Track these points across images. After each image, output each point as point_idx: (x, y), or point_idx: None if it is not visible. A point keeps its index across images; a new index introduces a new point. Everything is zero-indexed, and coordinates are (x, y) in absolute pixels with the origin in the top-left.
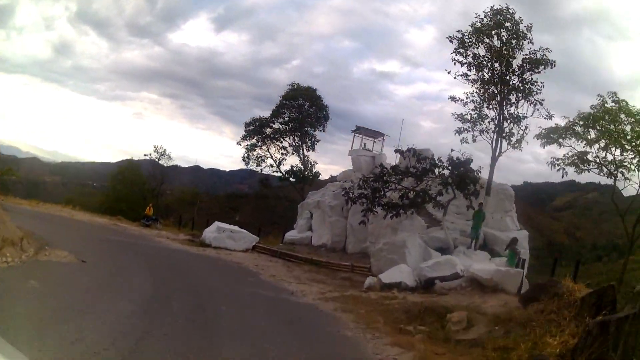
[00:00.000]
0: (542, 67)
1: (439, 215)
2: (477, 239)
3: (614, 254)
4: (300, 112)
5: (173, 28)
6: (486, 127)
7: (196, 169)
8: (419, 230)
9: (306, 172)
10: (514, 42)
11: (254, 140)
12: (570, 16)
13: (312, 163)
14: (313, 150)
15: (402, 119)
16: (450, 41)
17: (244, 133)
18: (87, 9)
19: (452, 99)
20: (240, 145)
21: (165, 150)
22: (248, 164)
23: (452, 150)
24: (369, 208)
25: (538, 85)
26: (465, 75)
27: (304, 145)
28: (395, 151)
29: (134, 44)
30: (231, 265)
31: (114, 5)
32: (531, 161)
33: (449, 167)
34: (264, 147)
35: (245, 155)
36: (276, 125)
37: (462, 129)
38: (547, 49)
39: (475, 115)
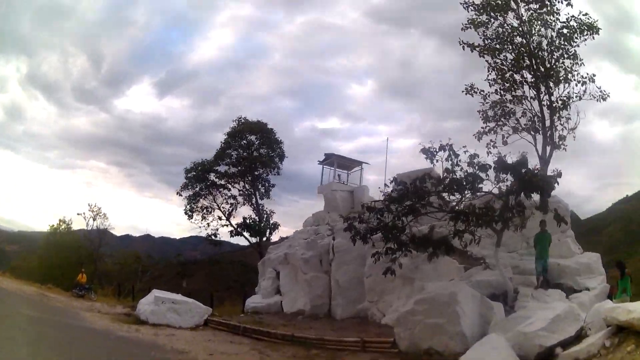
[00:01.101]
0: (584, 35)
1: (474, 251)
2: (546, 273)
3: None
4: (250, 151)
5: (118, 94)
6: (519, 124)
7: (147, 238)
8: (454, 276)
9: (262, 224)
10: (542, 10)
11: (197, 189)
12: None
13: (269, 212)
14: (268, 198)
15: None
16: (465, 8)
17: (185, 181)
18: (36, 71)
19: (469, 90)
20: (181, 195)
21: (100, 209)
22: (192, 217)
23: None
24: (397, 247)
25: (578, 61)
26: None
27: (257, 192)
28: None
29: (81, 110)
30: None
31: (62, 69)
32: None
33: (505, 172)
34: (210, 197)
35: (188, 207)
36: (222, 169)
37: (485, 129)
38: (586, 14)
39: (500, 111)
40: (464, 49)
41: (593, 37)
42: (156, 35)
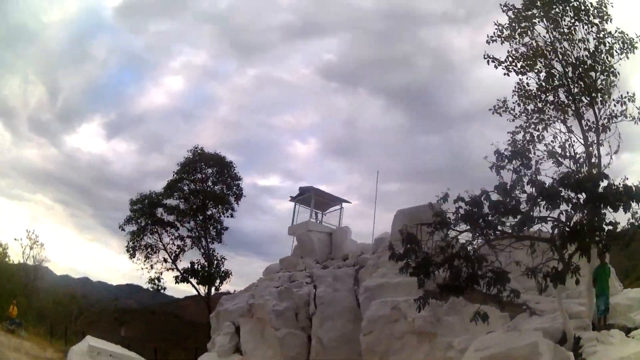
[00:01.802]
0: (621, 53)
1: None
2: (607, 312)
3: None
4: (204, 186)
5: (68, 130)
6: (553, 148)
7: (85, 281)
8: (494, 326)
9: (212, 271)
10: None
11: (142, 224)
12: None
13: (220, 259)
14: (219, 242)
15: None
16: (505, 12)
17: (129, 214)
18: None
19: (500, 107)
20: (124, 230)
21: (37, 238)
22: (134, 256)
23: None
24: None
25: (614, 79)
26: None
27: (207, 235)
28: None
29: (33, 141)
30: None
31: (21, 96)
32: None
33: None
34: (155, 235)
35: (130, 244)
36: (173, 202)
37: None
38: (621, 31)
39: (529, 135)
40: (488, 64)
41: (627, 57)
42: (111, 74)
